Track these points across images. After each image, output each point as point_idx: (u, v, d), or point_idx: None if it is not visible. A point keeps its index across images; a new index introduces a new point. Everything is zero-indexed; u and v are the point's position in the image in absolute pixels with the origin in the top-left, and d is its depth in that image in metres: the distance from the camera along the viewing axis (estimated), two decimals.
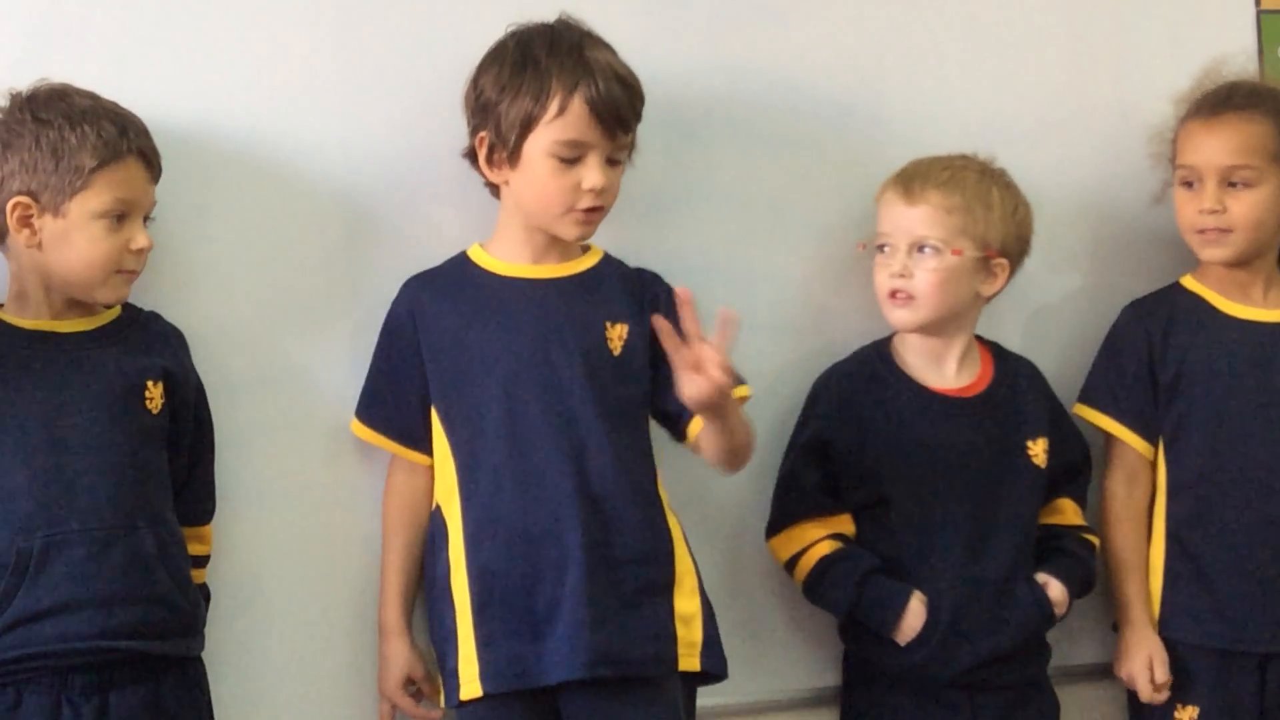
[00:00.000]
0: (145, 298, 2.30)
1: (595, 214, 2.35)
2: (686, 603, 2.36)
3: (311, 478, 2.42)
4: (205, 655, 2.27)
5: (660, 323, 2.19)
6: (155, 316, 2.31)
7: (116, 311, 2.27)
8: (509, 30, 2.36)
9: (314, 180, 2.42)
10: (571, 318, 2.37)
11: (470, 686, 2.29)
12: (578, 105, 2.30)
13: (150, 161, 2.22)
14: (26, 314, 2.23)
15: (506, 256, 2.41)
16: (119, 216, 2.18)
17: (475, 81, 2.37)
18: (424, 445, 2.38)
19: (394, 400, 2.38)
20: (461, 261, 2.42)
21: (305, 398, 2.42)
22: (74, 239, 2.17)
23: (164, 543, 2.21)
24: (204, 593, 2.31)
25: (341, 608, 2.43)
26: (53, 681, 2.14)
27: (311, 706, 2.42)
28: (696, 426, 2.37)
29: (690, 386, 2.19)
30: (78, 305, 2.23)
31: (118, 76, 2.27)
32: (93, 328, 2.24)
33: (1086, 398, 2.70)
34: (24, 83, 2.20)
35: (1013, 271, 2.58)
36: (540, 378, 2.33)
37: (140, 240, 2.20)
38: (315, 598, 2.42)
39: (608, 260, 2.45)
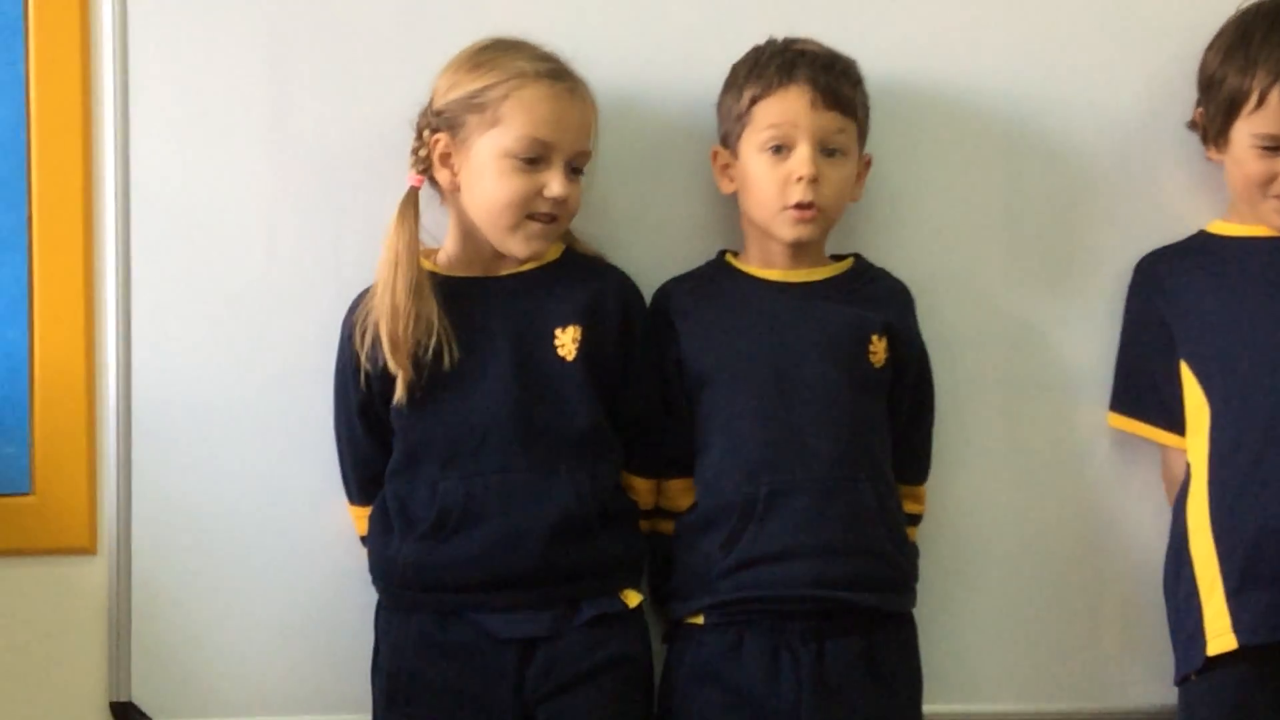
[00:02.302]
0: (876, 253, 2.33)
1: None
2: None
3: (1032, 442, 2.39)
4: (914, 613, 2.27)
5: None
6: (883, 273, 2.33)
7: (847, 264, 2.31)
8: (1242, 4, 2.28)
9: (1051, 144, 2.39)
10: None
11: (1221, 640, 2.21)
12: (1277, 97, 2.20)
13: (837, 101, 2.21)
14: (752, 262, 2.30)
15: (1247, 220, 2.32)
16: (777, 148, 2.21)
17: (1204, 55, 2.30)
18: (1183, 426, 2.31)
19: (1150, 387, 2.33)
20: (1199, 237, 2.35)
21: (1027, 361, 2.38)
22: (749, 176, 2.23)
23: (882, 497, 2.23)
24: (914, 551, 2.31)
25: (1047, 578, 2.39)
26: (772, 625, 2.19)
27: (1013, 677, 2.40)
28: None
29: None
30: (803, 256, 2.27)
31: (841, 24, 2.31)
32: (821, 278, 2.28)
33: None
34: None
35: None
36: (1266, 330, 2.24)
37: (800, 188, 2.19)
38: (1023, 565, 2.39)
39: None
